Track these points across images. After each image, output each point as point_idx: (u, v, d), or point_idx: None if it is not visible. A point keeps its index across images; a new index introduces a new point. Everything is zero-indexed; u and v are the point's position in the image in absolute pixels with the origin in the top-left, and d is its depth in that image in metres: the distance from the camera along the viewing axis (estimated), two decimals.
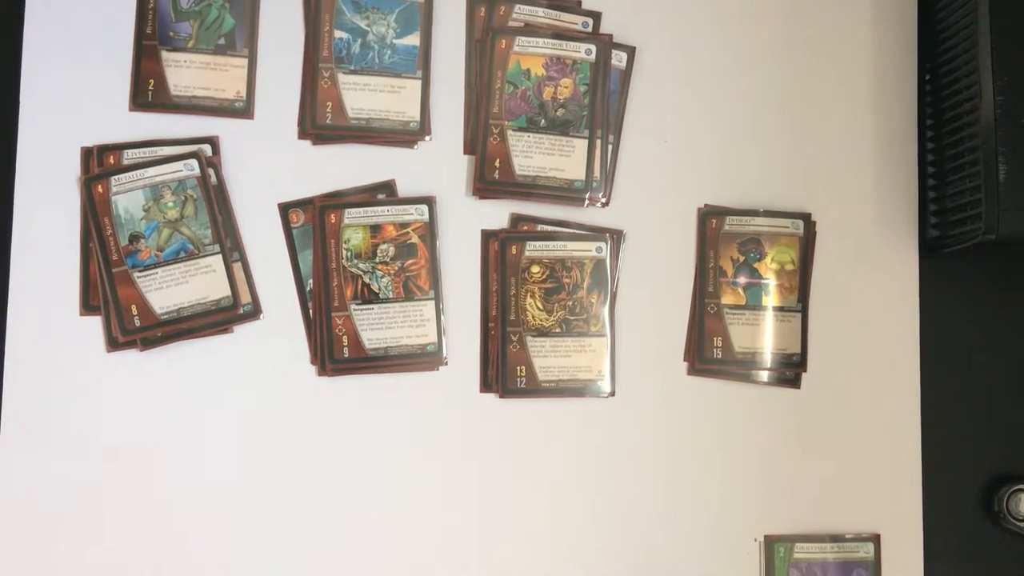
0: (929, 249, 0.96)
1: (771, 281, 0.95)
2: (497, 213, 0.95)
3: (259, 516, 0.92)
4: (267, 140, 0.94)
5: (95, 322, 0.92)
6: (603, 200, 0.96)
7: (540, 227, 0.95)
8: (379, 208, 0.93)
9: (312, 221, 0.93)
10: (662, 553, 0.94)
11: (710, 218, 0.96)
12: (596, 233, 0.95)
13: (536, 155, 0.95)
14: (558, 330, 0.94)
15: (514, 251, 0.94)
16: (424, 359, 0.93)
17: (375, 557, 0.92)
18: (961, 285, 0.97)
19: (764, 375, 0.95)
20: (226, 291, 0.92)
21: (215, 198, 0.92)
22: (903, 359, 0.96)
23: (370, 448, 0.93)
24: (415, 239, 0.93)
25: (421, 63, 0.95)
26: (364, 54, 0.95)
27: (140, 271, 0.91)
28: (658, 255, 0.96)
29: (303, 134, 0.94)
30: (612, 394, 0.94)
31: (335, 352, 0.92)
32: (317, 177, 0.94)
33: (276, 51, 0.95)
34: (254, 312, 0.93)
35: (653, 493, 0.94)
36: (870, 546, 0.94)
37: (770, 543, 0.93)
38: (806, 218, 0.96)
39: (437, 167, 0.95)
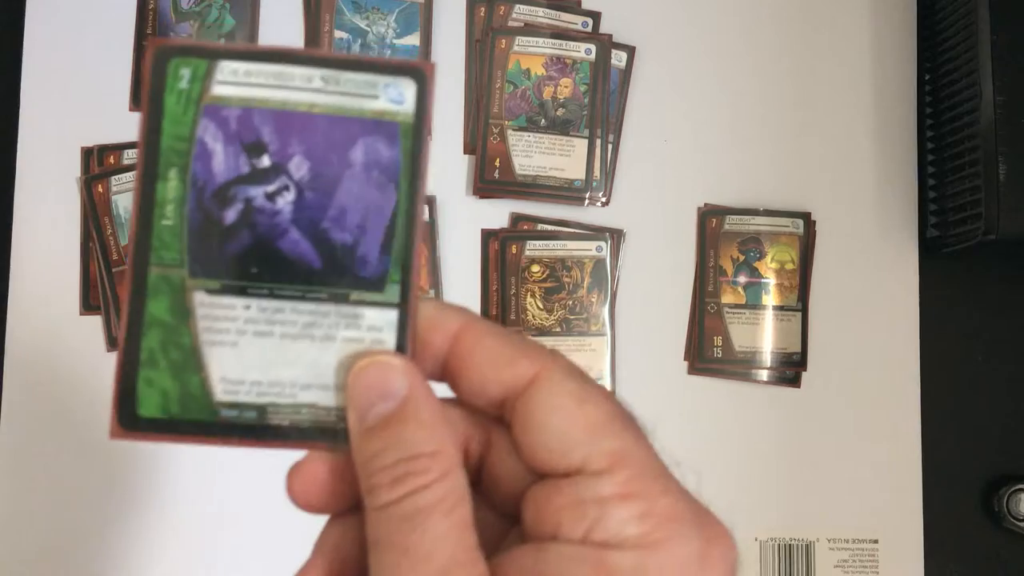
0: (929, 249, 0.96)
1: (771, 280, 0.95)
2: (497, 213, 0.95)
3: (259, 514, 0.92)
4: None
5: (95, 322, 0.92)
6: (603, 199, 0.96)
7: (540, 227, 0.95)
8: None
9: None
10: None
11: (710, 217, 0.96)
12: (596, 232, 0.95)
13: (536, 155, 0.95)
14: (558, 329, 0.94)
15: (514, 250, 0.94)
16: None
17: None
18: (961, 285, 0.97)
19: (764, 374, 0.95)
20: None
21: None
22: (903, 358, 0.96)
23: None
24: None
25: None
26: (364, 54, 0.95)
27: None
28: (658, 254, 0.96)
29: None
30: (612, 393, 0.94)
31: None
32: None
33: None
34: None
35: None
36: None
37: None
38: (806, 217, 0.96)
39: (437, 167, 0.95)
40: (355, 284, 0.38)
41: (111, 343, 0.91)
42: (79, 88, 0.94)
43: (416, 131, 0.38)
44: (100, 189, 0.92)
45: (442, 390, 0.38)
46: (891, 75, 0.98)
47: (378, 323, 0.38)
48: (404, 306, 0.38)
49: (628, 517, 0.35)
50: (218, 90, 0.37)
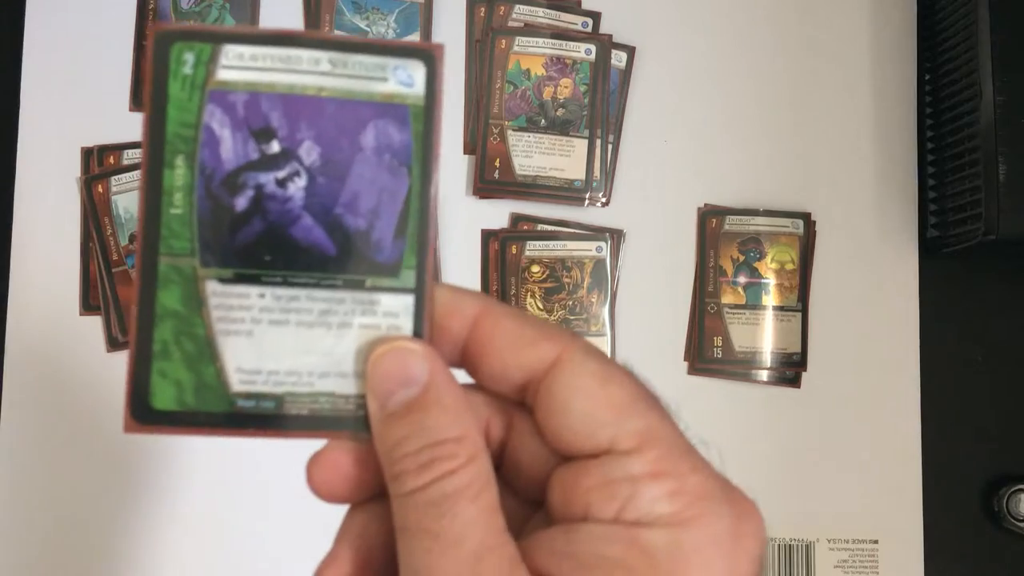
0: (929, 249, 0.96)
1: (771, 280, 0.95)
2: (497, 213, 0.95)
3: (258, 512, 0.92)
4: None
5: (95, 322, 0.92)
6: (603, 200, 0.96)
7: (540, 227, 0.95)
8: None
9: None
10: None
11: (710, 218, 0.96)
12: (596, 233, 0.95)
13: (536, 155, 0.95)
14: None
15: (514, 251, 0.94)
16: None
17: None
18: (961, 285, 0.97)
19: (764, 374, 0.95)
20: None
21: None
22: (903, 358, 0.96)
23: None
24: None
25: None
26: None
27: None
28: (658, 255, 0.96)
29: None
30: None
31: None
32: None
33: None
34: None
35: None
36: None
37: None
38: (806, 218, 0.96)
39: None
40: (370, 270, 0.38)
41: (111, 343, 0.91)
42: (79, 88, 0.94)
43: (427, 113, 0.38)
44: (100, 189, 0.91)
45: (459, 376, 0.38)
46: (891, 75, 0.98)
47: (394, 309, 0.38)
48: (420, 291, 0.38)
49: (659, 495, 0.35)
50: (223, 75, 0.37)
